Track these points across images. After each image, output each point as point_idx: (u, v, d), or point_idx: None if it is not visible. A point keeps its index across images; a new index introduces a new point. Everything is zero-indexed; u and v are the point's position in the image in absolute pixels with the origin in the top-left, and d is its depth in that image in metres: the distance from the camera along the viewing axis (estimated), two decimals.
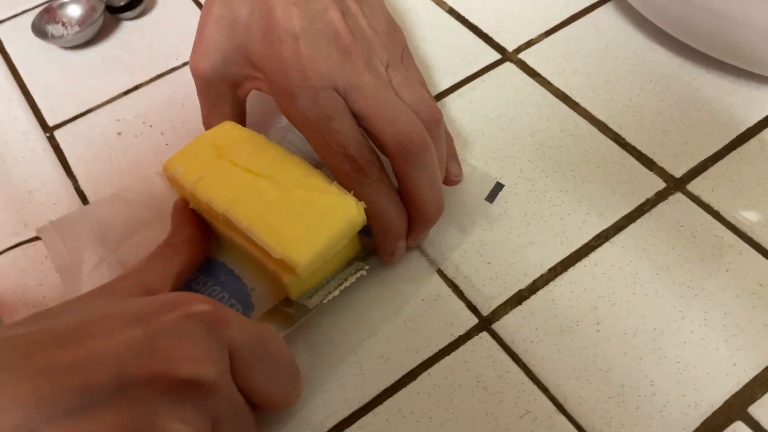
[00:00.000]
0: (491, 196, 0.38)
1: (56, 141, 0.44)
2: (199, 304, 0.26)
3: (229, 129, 0.36)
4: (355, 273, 0.34)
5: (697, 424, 0.30)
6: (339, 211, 0.32)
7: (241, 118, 0.39)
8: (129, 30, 0.51)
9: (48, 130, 0.45)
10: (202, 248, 0.35)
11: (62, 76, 0.48)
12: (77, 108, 0.46)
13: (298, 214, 0.32)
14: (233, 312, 0.27)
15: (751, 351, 0.32)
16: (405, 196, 0.34)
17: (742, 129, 0.40)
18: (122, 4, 0.51)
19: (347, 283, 0.34)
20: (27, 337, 0.25)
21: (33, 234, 0.40)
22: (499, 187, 0.38)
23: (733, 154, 0.39)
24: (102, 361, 0.24)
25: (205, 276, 0.36)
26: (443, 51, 0.46)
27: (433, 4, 0.50)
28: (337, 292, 0.33)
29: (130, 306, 0.26)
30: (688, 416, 0.31)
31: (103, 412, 0.23)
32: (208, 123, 0.39)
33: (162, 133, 0.44)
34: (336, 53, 0.33)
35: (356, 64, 0.33)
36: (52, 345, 0.24)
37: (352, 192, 0.32)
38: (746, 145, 0.40)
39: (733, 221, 0.37)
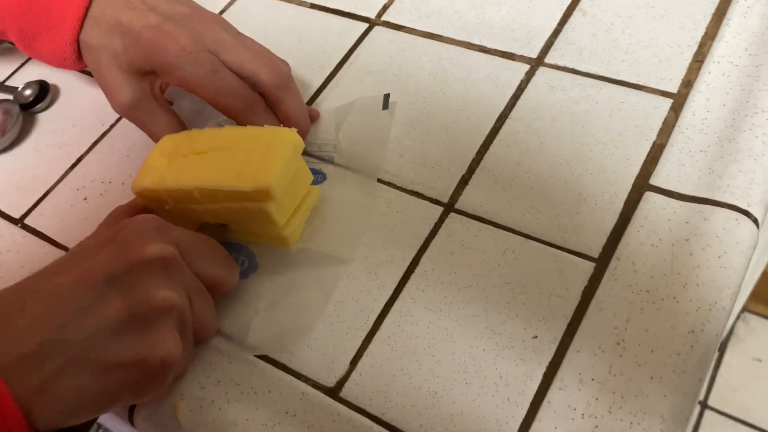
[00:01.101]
0: (385, 105, 0.48)
1: (31, 227, 0.49)
2: (143, 216, 0.37)
3: (167, 139, 0.44)
4: (311, 193, 0.43)
5: (622, 204, 0.41)
6: (279, 139, 0.40)
7: (176, 118, 0.47)
8: (46, 120, 0.56)
9: (17, 222, 0.50)
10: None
11: (4, 176, 0.53)
12: (34, 195, 0.51)
13: (250, 157, 0.39)
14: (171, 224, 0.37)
15: (631, 147, 0.44)
16: (283, 118, 0.45)
17: (565, 7, 0.52)
18: (31, 100, 0.56)
19: (311, 202, 0.43)
20: (29, 279, 0.33)
21: None
22: (387, 96, 0.49)
23: (566, 26, 0.51)
24: (93, 271, 0.33)
25: None
26: (322, 38, 0.55)
27: (294, 6, 0.58)
28: (307, 214, 0.43)
29: (94, 239, 0.36)
30: (613, 203, 0.41)
31: (109, 300, 0.33)
32: (156, 136, 0.46)
33: (123, 184, 0.50)
34: (195, 24, 0.43)
35: (214, 28, 0.44)
36: (53, 276, 0.33)
37: (249, 122, 0.43)
38: (572, 17, 0.51)
39: (591, 71, 0.48)
